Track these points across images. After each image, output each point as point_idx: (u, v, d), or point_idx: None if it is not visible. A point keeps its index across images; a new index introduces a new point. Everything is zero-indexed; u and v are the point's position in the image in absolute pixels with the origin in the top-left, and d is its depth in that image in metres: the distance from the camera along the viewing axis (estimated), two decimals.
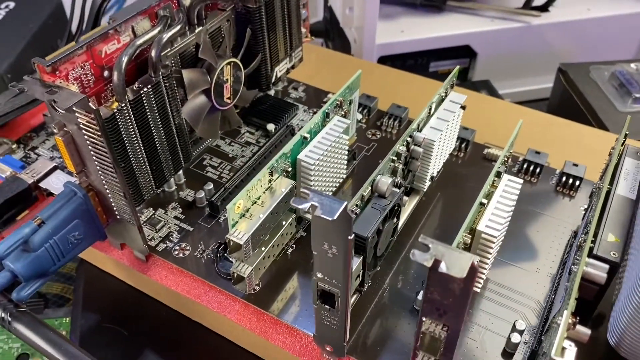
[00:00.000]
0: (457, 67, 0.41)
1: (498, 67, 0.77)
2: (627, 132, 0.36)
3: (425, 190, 0.41)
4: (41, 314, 0.52)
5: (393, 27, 0.73)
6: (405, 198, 0.39)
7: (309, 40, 0.52)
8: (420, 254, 0.23)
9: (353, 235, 0.26)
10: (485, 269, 0.32)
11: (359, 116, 0.48)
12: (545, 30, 0.74)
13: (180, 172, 0.43)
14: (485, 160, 0.46)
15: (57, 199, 0.35)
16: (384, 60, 0.74)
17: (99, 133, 0.32)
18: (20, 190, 0.41)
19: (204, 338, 0.40)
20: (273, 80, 0.47)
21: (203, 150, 0.46)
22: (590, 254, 0.29)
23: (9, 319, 0.34)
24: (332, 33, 0.82)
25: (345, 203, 0.25)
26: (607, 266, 0.28)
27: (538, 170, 0.44)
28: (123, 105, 0.34)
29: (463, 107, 0.40)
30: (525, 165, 0.44)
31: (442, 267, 0.23)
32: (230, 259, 0.36)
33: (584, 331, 0.27)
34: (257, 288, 0.37)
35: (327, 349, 0.34)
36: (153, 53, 0.35)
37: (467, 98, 0.40)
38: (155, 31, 0.36)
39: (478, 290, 0.34)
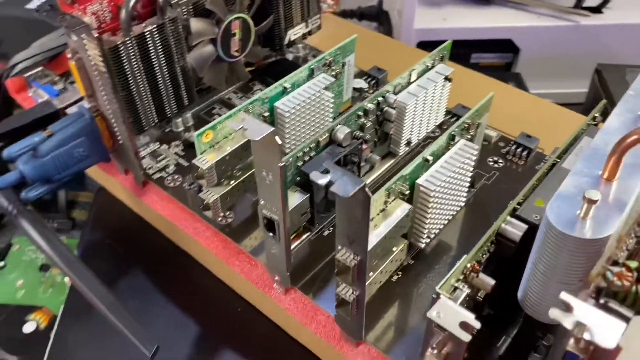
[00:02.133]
0: (450, 40, 0.43)
1: (542, 65, 0.76)
2: (597, 115, 0.36)
3: (400, 153, 0.42)
4: (68, 233, 0.60)
5: (436, 13, 0.74)
6: (376, 157, 0.41)
7: (332, 10, 0.55)
8: (318, 174, 0.26)
9: (284, 163, 0.29)
10: (426, 223, 0.34)
11: (364, 85, 0.51)
12: (594, 32, 0.73)
13: (189, 115, 0.48)
14: None
15: (68, 117, 0.41)
16: (424, 45, 0.75)
17: (102, 59, 0.36)
18: (49, 112, 0.47)
19: (186, 263, 0.44)
20: (286, 42, 0.50)
21: (215, 100, 0.50)
22: (513, 214, 0.30)
23: (15, 212, 0.40)
24: (382, 17, 0.84)
25: (273, 129, 0.28)
26: (525, 226, 0.30)
27: (526, 153, 0.44)
28: (127, 39, 0.38)
29: (448, 80, 0.42)
30: (514, 147, 0.45)
31: (334, 188, 0.25)
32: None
33: (488, 281, 0.29)
34: (230, 220, 0.41)
35: (276, 278, 0.37)
36: None
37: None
38: None
39: (422, 245, 0.36)
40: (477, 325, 0.24)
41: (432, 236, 0.37)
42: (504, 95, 0.55)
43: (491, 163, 0.45)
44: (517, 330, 0.33)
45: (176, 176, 0.44)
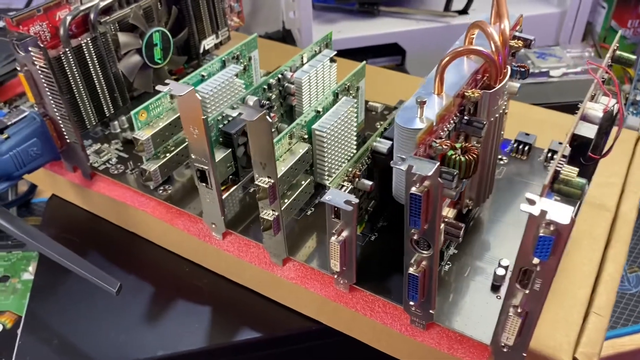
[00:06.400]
0: (331, 31, 0.53)
1: (426, 63, 0.89)
2: None
3: None
4: (23, 247, 0.65)
5: (331, 28, 0.87)
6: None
7: (237, 25, 0.65)
8: (231, 110, 0.35)
9: (206, 117, 0.38)
10: (325, 162, 0.44)
11: None
12: (462, 30, 0.87)
13: (124, 118, 0.56)
14: (368, 110, 0.58)
15: (22, 122, 0.48)
16: None
17: (47, 67, 0.44)
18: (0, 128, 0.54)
19: (136, 243, 0.52)
20: (201, 51, 0.60)
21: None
22: (382, 135, 0.40)
23: None
24: (287, 38, 0.96)
25: (192, 88, 0.37)
26: (390, 142, 0.40)
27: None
28: (67, 50, 0.47)
29: (333, 60, 0.53)
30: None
31: (243, 115, 0.34)
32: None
33: (367, 182, 0.39)
34: (170, 191, 0.49)
35: (213, 225, 0.45)
36: (91, 16, 0.48)
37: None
38: (95, 2, 0.49)
39: (326, 182, 0.45)
40: (355, 200, 0.34)
41: (333, 175, 0.46)
42: (390, 78, 0.67)
43: (378, 126, 0.56)
44: None
45: (119, 165, 0.52)
